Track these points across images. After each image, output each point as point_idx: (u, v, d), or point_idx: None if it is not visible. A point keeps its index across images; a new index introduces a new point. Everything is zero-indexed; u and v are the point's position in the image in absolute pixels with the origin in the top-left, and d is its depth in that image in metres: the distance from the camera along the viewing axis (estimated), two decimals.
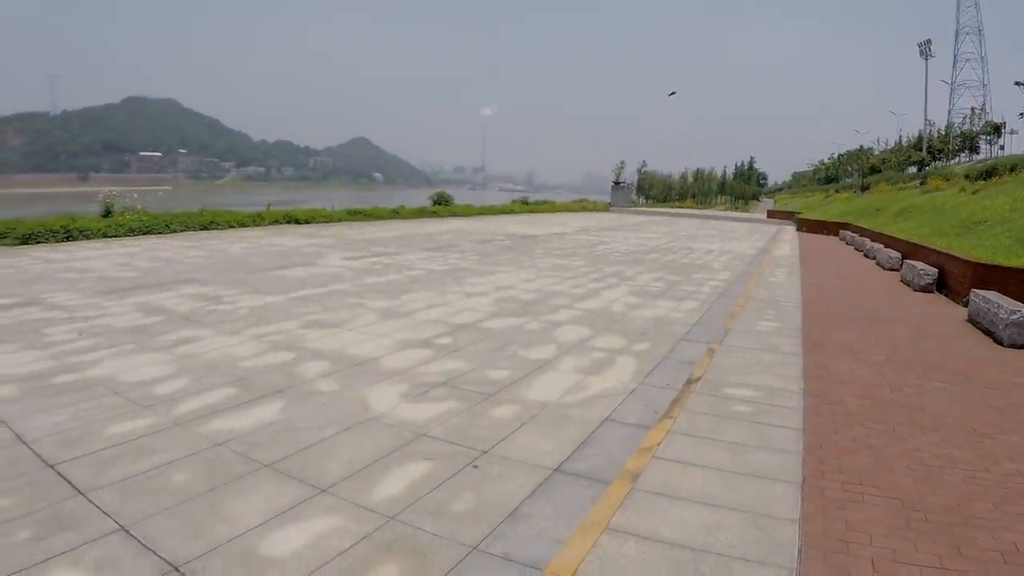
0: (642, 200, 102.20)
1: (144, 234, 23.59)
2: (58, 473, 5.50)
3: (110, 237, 22.24)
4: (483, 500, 5.36)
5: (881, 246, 28.19)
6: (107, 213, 24.54)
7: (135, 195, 27.54)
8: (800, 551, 4.74)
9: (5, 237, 20.09)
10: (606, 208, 69.84)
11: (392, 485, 5.55)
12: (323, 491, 5.40)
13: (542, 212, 57.11)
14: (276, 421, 6.85)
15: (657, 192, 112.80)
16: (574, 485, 5.69)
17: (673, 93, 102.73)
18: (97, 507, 4.96)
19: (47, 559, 4.28)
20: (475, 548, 4.63)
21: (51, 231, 21.03)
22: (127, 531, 4.65)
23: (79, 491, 5.20)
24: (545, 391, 8.18)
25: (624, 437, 6.81)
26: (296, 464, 5.87)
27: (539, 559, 4.53)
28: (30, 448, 5.96)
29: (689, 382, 8.82)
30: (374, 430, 6.73)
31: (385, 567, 4.37)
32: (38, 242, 20.39)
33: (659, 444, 6.64)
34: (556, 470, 5.97)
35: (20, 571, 4.15)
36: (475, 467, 5.97)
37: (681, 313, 13.74)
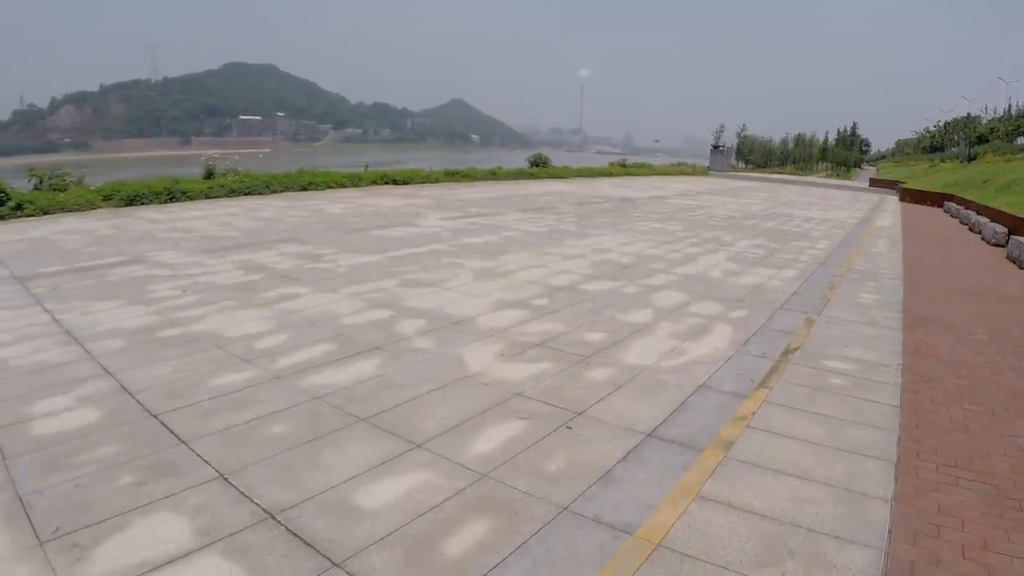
0: (741, 165, 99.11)
1: (245, 195, 24.49)
2: (161, 423, 5.82)
3: (212, 198, 23.19)
4: (576, 462, 5.37)
5: (987, 220, 26.59)
6: (209, 175, 25.61)
7: (236, 157, 28.65)
8: (891, 531, 4.57)
9: (111, 198, 21.25)
10: (705, 172, 68.44)
11: (486, 443, 5.64)
12: (417, 446, 5.53)
13: (640, 175, 56.28)
14: (373, 377, 7.05)
15: (757, 157, 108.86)
16: (667, 451, 5.65)
17: None
18: (198, 455, 5.24)
19: (149, 503, 4.56)
20: (566, 509, 4.66)
21: (155, 193, 22.11)
22: (226, 479, 4.89)
23: (181, 440, 5.50)
24: (641, 355, 8.13)
25: (719, 405, 6.72)
26: (392, 419, 6.03)
27: (629, 523, 4.52)
28: (135, 398, 6.33)
29: (786, 352, 8.62)
30: (470, 388, 6.84)
31: (476, 523, 4.45)
32: (142, 203, 21.46)
33: (754, 414, 6.53)
34: (650, 435, 5.93)
35: (123, 513, 4.43)
36: (569, 428, 6.00)
37: (779, 281, 13.42)
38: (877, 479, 5.35)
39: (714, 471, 5.32)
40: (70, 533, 4.24)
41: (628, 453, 5.56)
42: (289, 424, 5.86)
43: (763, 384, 7.37)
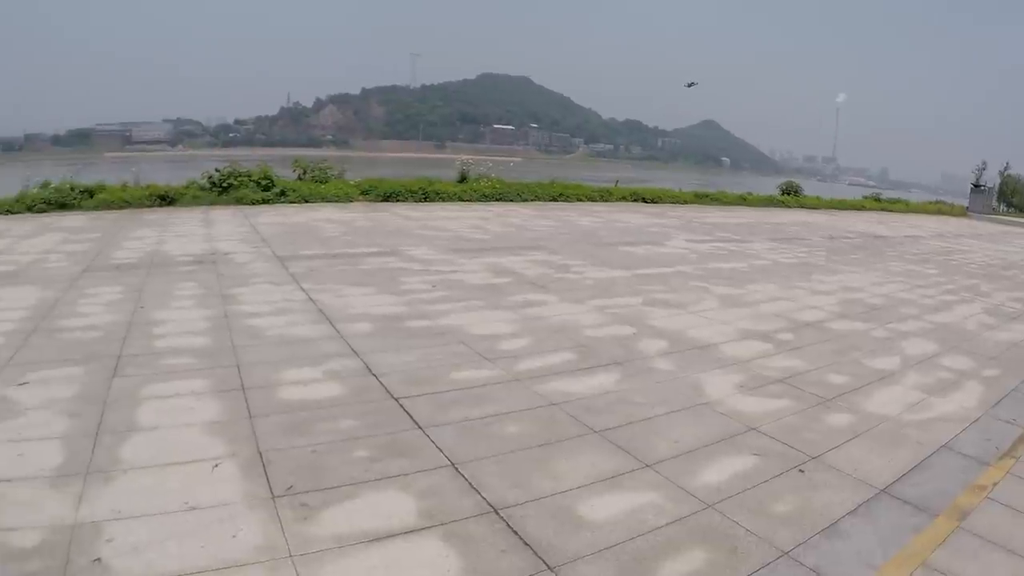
0: (1003, 207, 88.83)
1: (496, 201, 25.61)
2: (401, 406, 6.19)
3: (464, 201, 24.48)
4: (804, 507, 5.05)
5: None
6: (462, 179, 27.13)
7: (489, 164, 30.07)
8: None
9: (368, 193, 23.16)
10: (963, 212, 62.40)
11: (715, 473, 5.44)
12: (647, 466, 5.44)
13: (894, 211, 52.25)
14: (611, 391, 7.03)
15: (1021, 200, 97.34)
16: (899, 510, 5.17)
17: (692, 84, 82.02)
18: (432, 442, 5.50)
19: (379, 479, 4.87)
20: (785, 554, 4.41)
21: (410, 191, 23.80)
22: (456, 468, 5.09)
23: (418, 425, 5.81)
24: (884, 405, 7.52)
25: (959, 469, 6.04)
26: (625, 435, 5.98)
27: None
28: (379, 380, 6.79)
29: None
30: (706, 415, 6.66)
31: (694, 552, 4.31)
32: (398, 200, 23.16)
33: (995, 484, 5.78)
34: (883, 491, 5.45)
35: (354, 483, 4.77)
36: (801, 471, 5.68)
37: None
38: None
39: (945, 540, 4.81)
40: (301, 493, 4.62)
41: (858, 506, 5.16)
42: (524, 425, 5.99)
43: (1009, 453, 6.57)
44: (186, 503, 4.51)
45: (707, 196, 37.57)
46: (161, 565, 3.90)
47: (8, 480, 4.87)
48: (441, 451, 5.36)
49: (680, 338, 9.29)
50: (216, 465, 5.01)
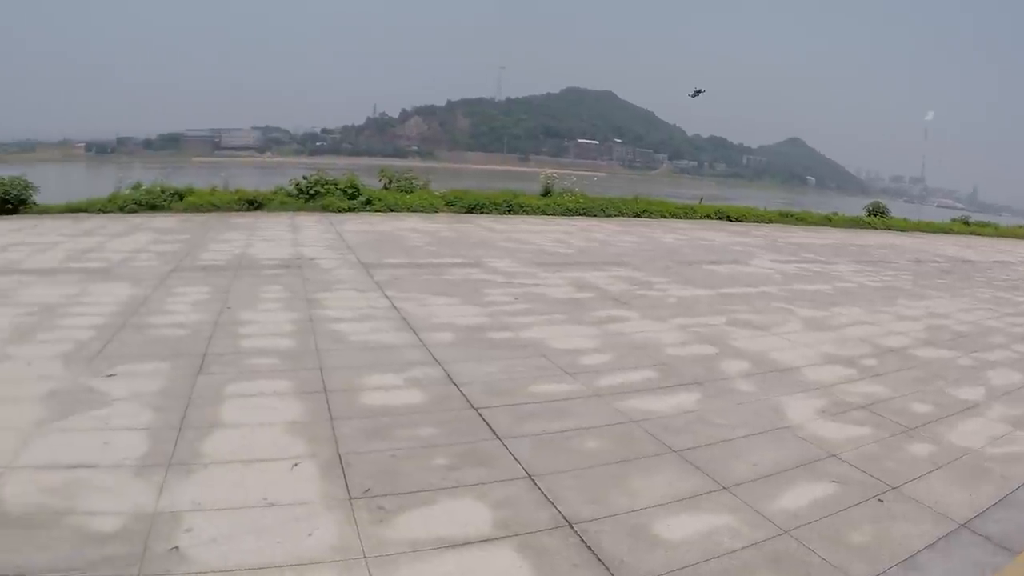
0: None
1: (579, 215, 25.60)
2: (480, 416, 6.21)
3: (547, 215, 24.55)
4: (881, 538, 4.86)
5: None
6: (546, 193, 27.22)
7: (572, 178, 30.10)
8: None
9: (453, 204, 23.47)
10: None
11: (793, 499, 5.28)
12: (724, 488, 5.33)
13: (983, 235, 50.38)
14: (691, 411, 6.91)
15: None
16: (979, 547, 4.92)
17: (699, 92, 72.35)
18: (510, 453, 5.49)
19: (456, 487, 4.88)
20: None
21: (494, 204, 24.03)
22: (533, 480, 5.07)
23: (497, 435, 5.82)
24: (967, 436, 7.20)
25: None
26: (704, 456, 5.86)
27: None
28: (459, 390, 6.83)
29: None
30: (786, 440, 6.48)
31: None
32: (482, 212, 23.40)
33: None
34: (963, 525, 5.22)
35: (431, 490, 4.79)
36: (880, 501, 5.49)
37: None
38: None
39: None
40: (379, 496, 4.67)
41: (937, 540, 4.94)
42: (602, 441, 5.93)
43: None
44: (264, 499, 4.60)
45: (792, 216, 36.95)
46: (237, 558, 3.99)
47: (93, 466, 5.06)
48: (519, 462, 5.35)
49: (762, 360, 9.11)
50: (295, 464, 5.10)
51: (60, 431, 5.74)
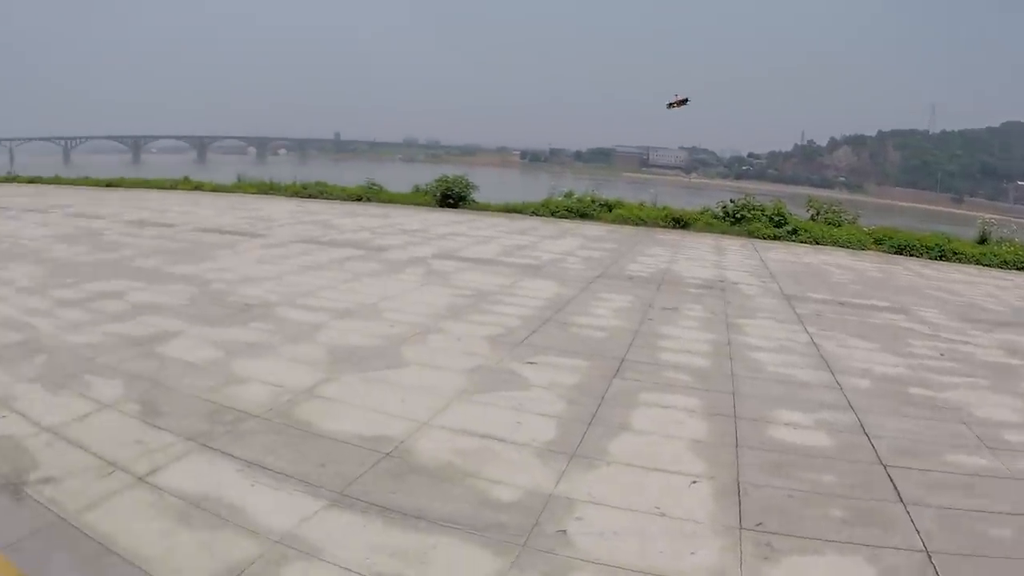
0: None
1: (1018, 269, 22.76)
2: (887, 474, 5.92)
3: (983, 265, 22.14)
4: None
5: None
6: (982, 240, 24.37)
7: (1012, 226, 26.67)
8: None
9: (881, 243, 22.21)
10: None
11: None
12: None
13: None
14: None
15: None
16: None
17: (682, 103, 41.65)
18: (912, 521, 5.16)
19: (847, 542, 4.74)
20: None
21: (925, 247, 22.25)
22: (929, 556, 4.69)
23: (900, 499, 5.50)
24: None
25: None
26: None
27: None
28: (870, 441, 6.58)
29: None
30: None
31: None
32: (910, 255, 21.82)
33: None
34: None
35: (821, 539, 4.72)
36: None
37: None
38: None
39: None
40: (769, 533, 4.74)
41: None
42: (1015, 532, 5.27)
43: None
44: (657, 508, 4.91)
45: None
46: (620, 555, 4.37)
47: (503, 441, 5.76)
48: (918, 533, 5.01)
49: None
50: (694, 482, 5.35)
51: (478, 403, 6.61)
